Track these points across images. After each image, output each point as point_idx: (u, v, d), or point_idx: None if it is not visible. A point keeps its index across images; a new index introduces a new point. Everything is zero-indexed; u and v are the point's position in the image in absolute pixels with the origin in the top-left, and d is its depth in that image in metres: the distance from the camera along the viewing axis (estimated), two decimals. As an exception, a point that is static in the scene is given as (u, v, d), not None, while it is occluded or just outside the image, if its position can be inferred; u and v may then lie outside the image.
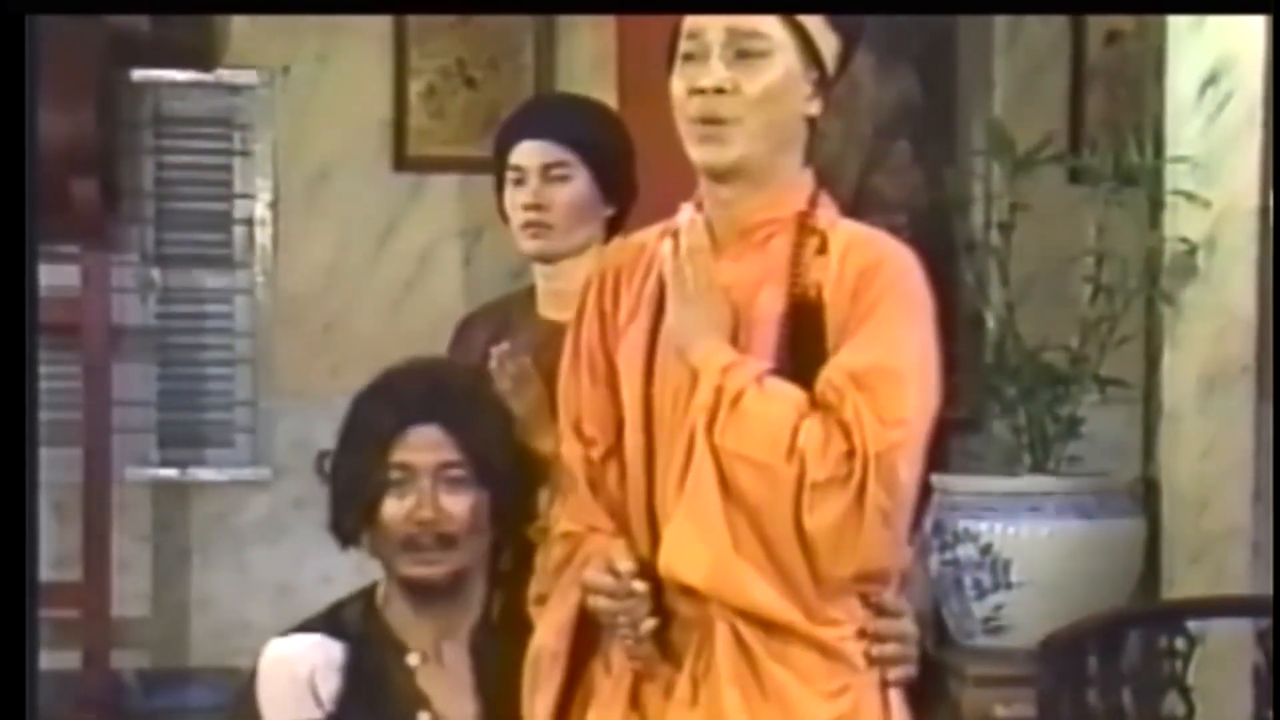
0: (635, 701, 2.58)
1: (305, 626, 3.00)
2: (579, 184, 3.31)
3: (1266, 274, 4.77)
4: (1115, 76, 6.17)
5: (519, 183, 3.32)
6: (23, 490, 2.77)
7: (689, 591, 2.51)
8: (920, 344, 2.54)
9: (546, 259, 3.33)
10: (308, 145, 6.28)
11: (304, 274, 6.29)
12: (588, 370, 2.67)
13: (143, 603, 6.18)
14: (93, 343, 5.80)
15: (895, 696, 2.58)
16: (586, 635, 2.62)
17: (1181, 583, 4.77)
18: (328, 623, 2.99)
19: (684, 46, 2.58)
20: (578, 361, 2.69)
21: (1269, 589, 4.43)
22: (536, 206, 3.29)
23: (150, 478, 6.25)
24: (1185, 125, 4.81)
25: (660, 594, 2.53)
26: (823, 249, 2.57)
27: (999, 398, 5.09)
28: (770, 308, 2.56)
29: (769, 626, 2.48)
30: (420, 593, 2.93)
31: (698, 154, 2.57)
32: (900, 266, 2.57)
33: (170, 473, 6.28)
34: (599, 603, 2.56)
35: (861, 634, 2.53)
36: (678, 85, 2.58)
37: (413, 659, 2.94)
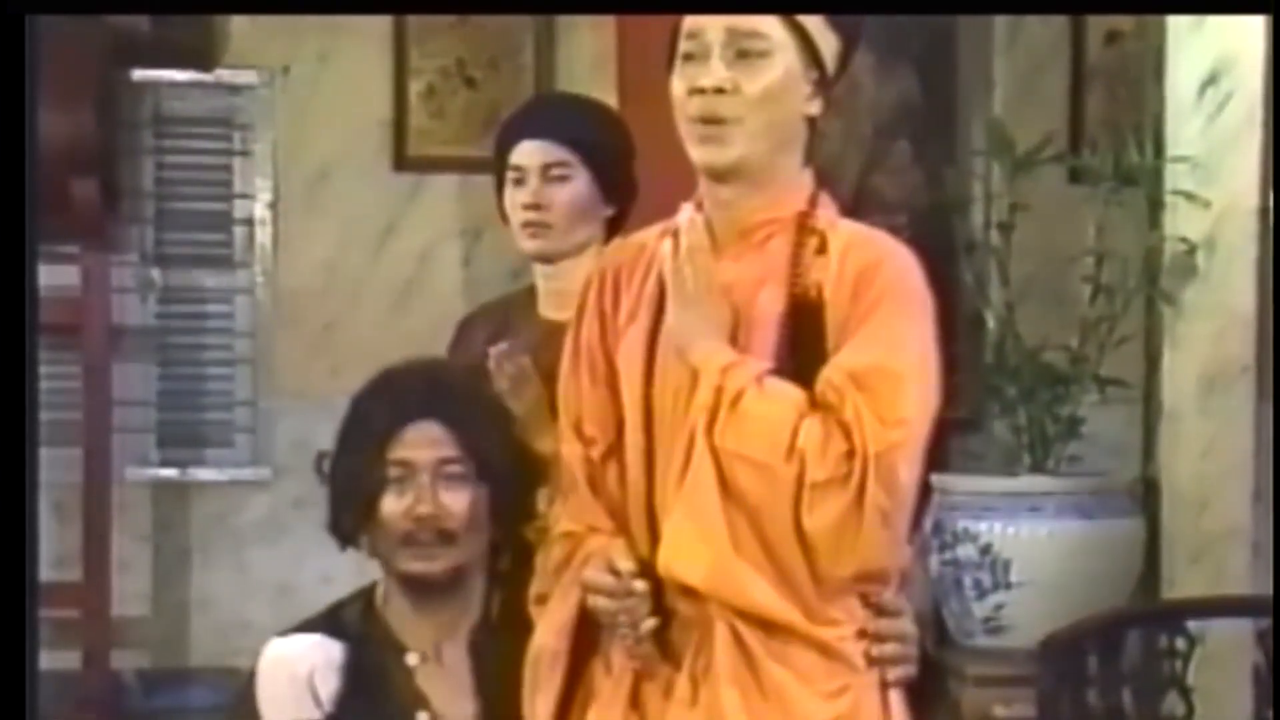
0: (635, 701, 2.58)
1: (305, 626, 3.00)
2: (579, 184, 3.31)
3: (1266, 274, 4.77)
4: (1115, 76, 6.17)
5: (519, 182, 3.32)
6: (23, 490, 2.76)
7: (689, 591, 2.51)
8: (920, 344, 2.54)
9: (547, 259, 3.33)
10: (308, 145, 6.28)
11: (304, 274, 6.29)
12: (588, 370, 2.67)
13: (143, 603, 6.18)
14: (93, 343, 5.79)
15: (895, 696, 2.58)
16: (587, 635, 2.62)
17: (1181, 583, 4.77)
18: (327, 623, 2.99)
19: (684, 46, 2.58)
20: (578, 361, 2.69)
21: (1269, 589, 4.43)
22: (536, 206, 3.30)
23: (150, 478, 6.25)
24: (1185, 125, 4.81)
25: (660, 594, 2.53)
26: (823, 249, 2.57)
27: (999, 398, 5.09)
28: (770, 308, 2.56)
29: (768, 626, 2.48)
30: (419, 590, 2.93)
31: (698, 154, 2.57)
32: (900, 266, 2.57)
33: (170, 473, 6.27)
34: (599, 602, 2.56)
35: (861, 634, 2.53)
36: (678, 85, 2.58)
37: (412, 659, 2.95)
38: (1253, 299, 4.79)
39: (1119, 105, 6.08)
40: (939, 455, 2.77)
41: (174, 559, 6.24)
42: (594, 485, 2.65)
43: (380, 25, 6.26)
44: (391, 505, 2.90)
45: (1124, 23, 6.11)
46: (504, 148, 3.37)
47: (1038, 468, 4.99)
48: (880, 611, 2.55)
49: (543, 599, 2.69)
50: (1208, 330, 4.79)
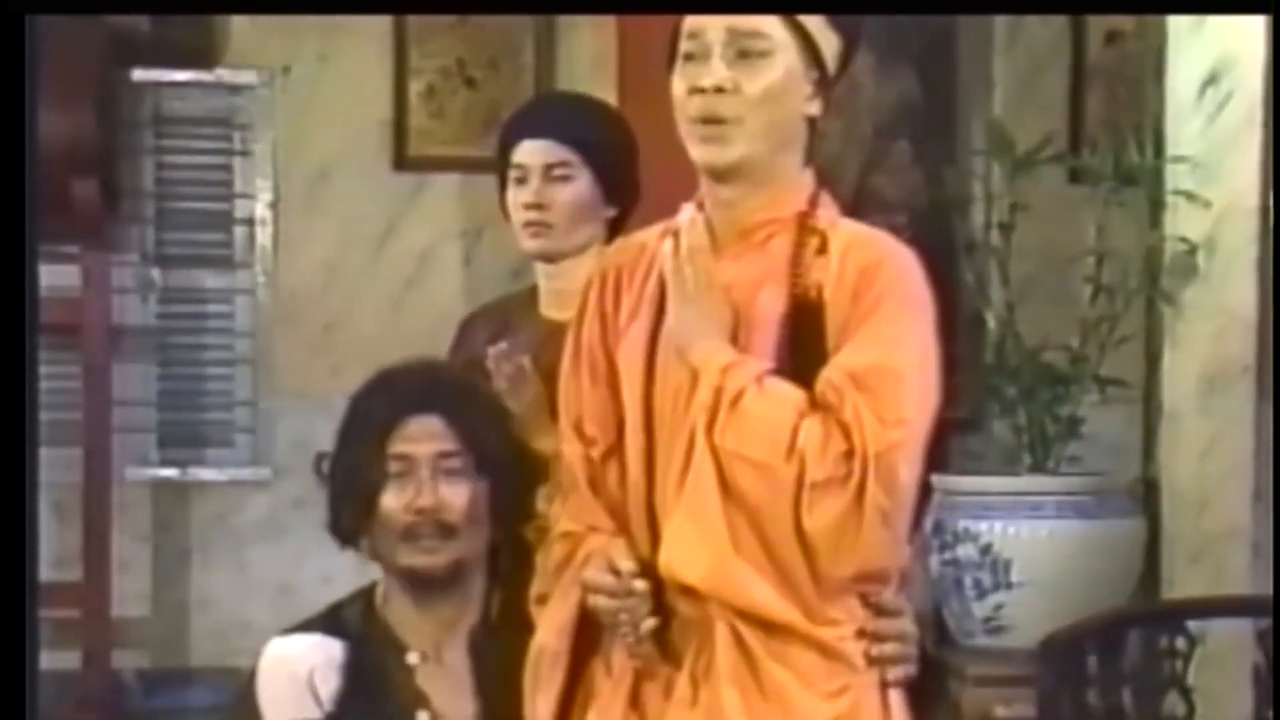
0: (635, 701, 2.58)
1: (305, 626, 3.00)
2: (581, 184, 3.31)
3: (1266, 274, 4.77)
4: (1115, 76, 6.17)
5: (521, 182, 3.32)
6: (23, 490, 2.77)
7: (689, 591, 2.51)
8: (920, 344, 2.54)
9: (548, 258, 3.33)
10: (308, 145, 6.28)
11: (304, 274, 6.29)
12: (588, 370, 2.67)
13: (143, 603, 6.18)
14: (93, 343, 5.80)
15: (895, 696, 2.58)
16: (587, 635, 2.62)
17: (1181, 583, 4.76)
18: (327, 622, 2.99)
19: (684, 46, 2.58)
20: (578, 361, 2.69)
21: (1269, 589, 4.43)
22: (538, 206, 3.30)
23: (150, 478, 6.25)
24: (1185, 125, 4.81)
25: (660, 593, 2.53)
26: (823, 249, 2.57)
27: (999, 398, 5.09)
28: (770, 308, 2.56)
29: (769, 626, 2.48)
30: (420, 587, 2.93)
31: (698, 154, 2.57)
32: (900, 266, 2.57)
33: (170, 473, 6.28)
34: (599, 602, 2.56)
35: (861, 634, 2.53)
36: (678, 85, 2.58)
37: (412, 658, 2.95)
38: (1253, 299, 4.78)
39: (1119, 105, 6.09)
40: (939, 455, 2.77)
41: (174, 559, 6.24)
42: (594, 485, 2.65)
43: (380, 25, 6.26)
44: (391, 500, 2.91)
45: (1124, 23, 6.12)
46: (506, 147, 3.37)
47: (1038, 468, 4.99)
48: (880, 611, 2.55)
49: (543, 599, 2.69)
50: (1208, 330, 4.79)
